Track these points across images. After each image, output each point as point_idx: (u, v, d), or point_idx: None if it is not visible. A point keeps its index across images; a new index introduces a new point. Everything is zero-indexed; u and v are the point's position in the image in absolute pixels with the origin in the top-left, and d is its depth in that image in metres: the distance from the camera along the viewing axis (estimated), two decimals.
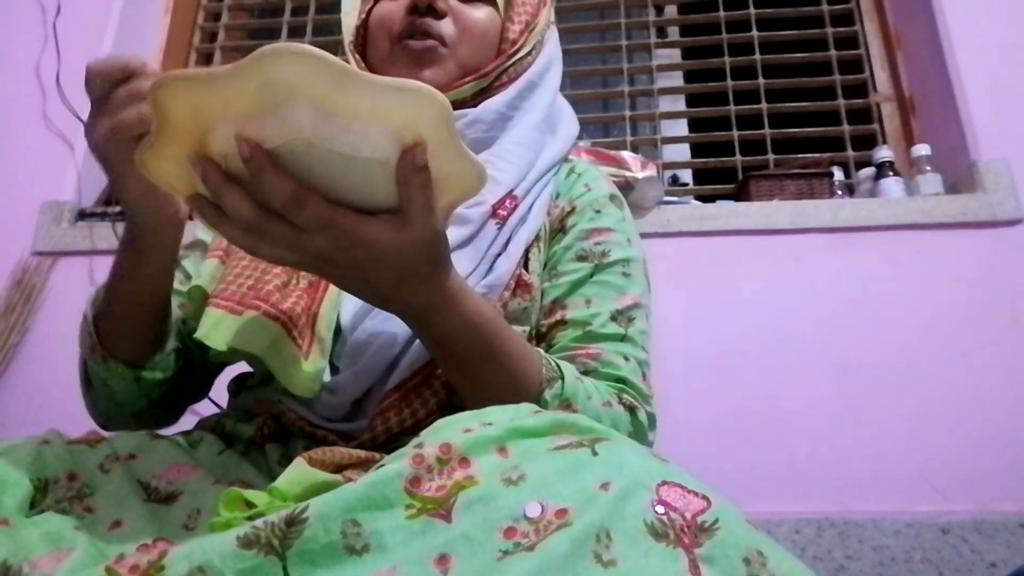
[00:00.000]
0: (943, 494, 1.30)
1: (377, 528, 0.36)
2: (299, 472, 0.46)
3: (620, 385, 0.64)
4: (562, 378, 0.58)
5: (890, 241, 1.48)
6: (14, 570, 0.38)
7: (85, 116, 1.65)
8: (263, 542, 0.35)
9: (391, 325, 0.60)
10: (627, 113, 1.85)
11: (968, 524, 1.26)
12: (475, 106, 0.71)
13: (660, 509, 0.34)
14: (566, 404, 0.58)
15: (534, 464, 0.38)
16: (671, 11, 2.01)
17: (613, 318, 0.66)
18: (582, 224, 0.71)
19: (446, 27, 0.70)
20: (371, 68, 0.73)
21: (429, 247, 0.49)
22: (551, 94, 0.77)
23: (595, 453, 0.38)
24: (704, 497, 0.36)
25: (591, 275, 0.68)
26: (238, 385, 0.73)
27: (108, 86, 0.49)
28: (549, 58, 0.78)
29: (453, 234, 0.60)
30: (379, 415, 0.58)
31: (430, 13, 0.69)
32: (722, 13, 1.91)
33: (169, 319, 0.66)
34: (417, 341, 0.60)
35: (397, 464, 0.38)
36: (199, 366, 0.72)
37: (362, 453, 0.53)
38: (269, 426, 0.62)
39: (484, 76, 0.71)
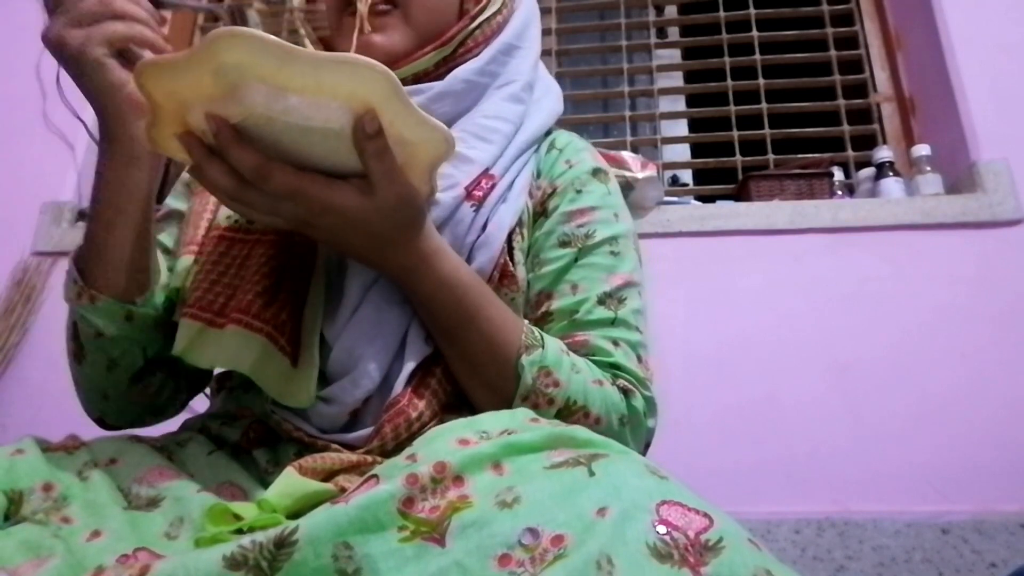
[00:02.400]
0: (943, 494, 1.30)
1: (369, 552, 0.35)
2: (289, 483, 0.46)
3: (614, 371, 0.61)
4: (543, 346, 0.57)
5: (890, 241, 1.48)
6: None
7: (85, 116, 1.64)
8: (251, 564, 0.34)
9: (378, 330, 0.58)
10: (627, 113, 1.85)
11: (968, 524, 1.26)
12: (441, 77, 0.65)
13: (662, 529, 0.34)
14: (546, 372, 0.56)
15: (529, 486, 0.37)
16: (671, 11, 2.01)
17: (601, 302, 0.63)
18: (563, 206, 0.67)
19: None
20: (324, 39, 0.68)
21: (396, 211, 0.51)
22: (532, 59, 0.71)
23: (592, 473, 0.37)
24: (705, 515, 0.35)
25: (575, 260, 0.64)
26: (219, 385, 0.70)
27: None
28: (527, 17, 0.71)
29: None
30: (388, 422, 0.55)
31: None
32: (722, 13, 1.91)
33: (153, 254, 0.62)
34: (409, 339, 0.59)
35: (390, 485, 0.38)
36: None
37: (353, 457, 0.53)
38: (255, 430, 0.60)
39: (446, 43, 0.65)
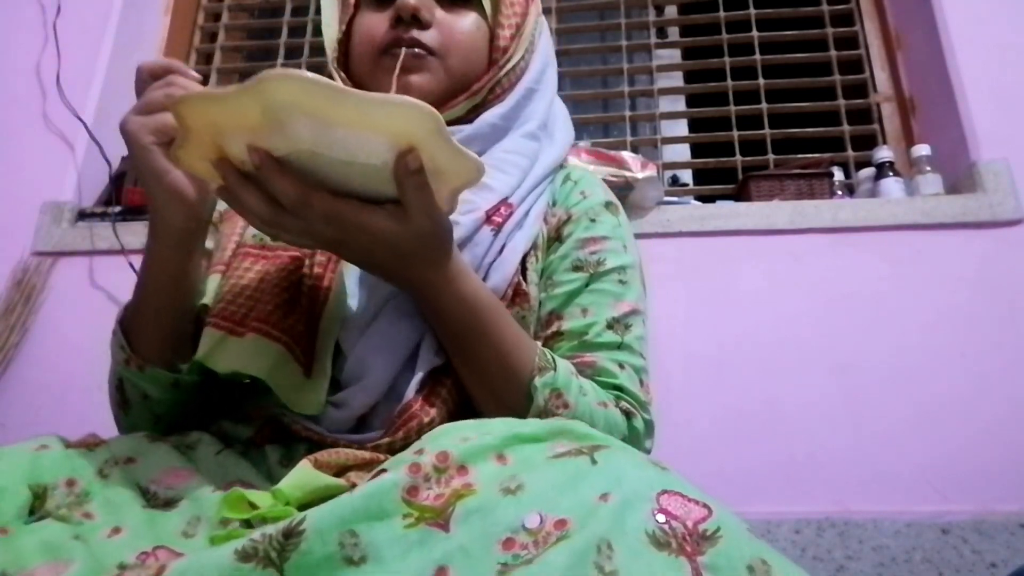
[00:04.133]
0: (943, 494, 1.30)
1: (374, 539, 0.36)
2: (303, 475, 0.47)
3: (617, 392, 0.64)
4: (555, 369, 0.60)
5: (890, 241, 1.48)
6: None
7: (85, 116, 1.66)
8: (261, 555, 0.35)
9: (390, 341, 0.61)
10: (627, 113, 1.85)
11: (968, 524, 1.26)
12: (470, 122, 0.70)
13: (661, 518, 0.34)
14: (557, 394, 0.59)
15: (533, 474, 0.38)
16: (671, 11, 2.01)
17: (609, 326, 0.66)
18: (578, 233, 0.71)
19: (431, 37, 0.68)
20: (355, 81, 0.71)
21: (428, 236, 0.53)
22: (549, 97, 0.76)
23: (594, 462, 0.38)
24: (704, 505, 0.36)
25: (586, 285, 0.68)
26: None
27: (150, 80, 0.55)
28: (544, 60, 0.76)
29: None
30: (401, 425, 0.58)
31: (415, 24, 0.67)
32: (722, 13, 1.91)
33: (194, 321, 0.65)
34: (422, 350, 0.61)
35: (394, 474, 0.39)
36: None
37: (366, 454, 0.54)
38: (268, 428, 0.62)
39: (476, 92, 0.70)
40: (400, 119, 0.45)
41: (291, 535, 0.36)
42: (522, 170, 0.69)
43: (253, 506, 0.44)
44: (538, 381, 0.59)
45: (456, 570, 0.34)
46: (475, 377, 0.60)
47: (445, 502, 0.37)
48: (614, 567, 0.32)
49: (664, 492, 0.36)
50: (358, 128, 0.45)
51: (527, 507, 0.36)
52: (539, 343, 0.64)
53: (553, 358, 0.61)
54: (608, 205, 0.74)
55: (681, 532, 0.34)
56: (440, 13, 0.69)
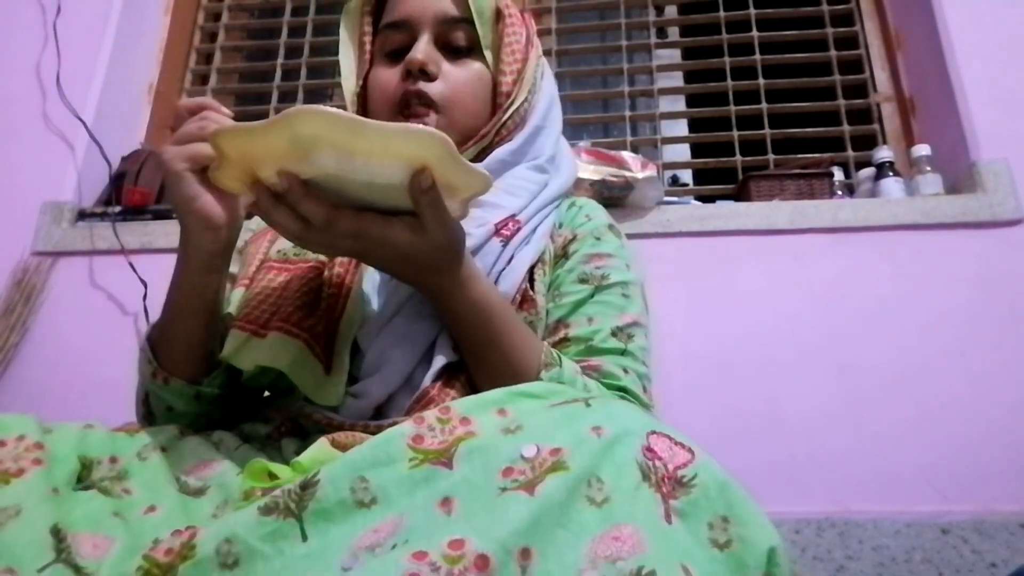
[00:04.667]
0: (943, 494, 1.30)
1: (383, 482, 0.39)
2: (321, 451, 0.51)
3: (621, 393, 0.67)
4: (560, 366, 0.64)
5: (890, 241, 1.48)
6: (62, 534, 0.43)
7: (85, 116, 1.66)
8: (281, 507, 0.39)
9: (408, 336, 0.65)
10: (627, 113, 1.85)
11: (968, 524, 1.26)
12: (481, 160, 0.74)
13: (648, 455, 0.38)
14: None
15: (532, 418, 0.42)
16: (671, 11, 2.01)
17: (613, 334, 0.70)
18: (583, 249, 0.76)
19: (437, 90, 0.73)
20: None
21: (442, 247, 0.58)
22: (556, 134, 0.81)
23: (589, 405, 0.42)
24: (689, 450, 0.39)
25: (592, 295, 0.72)
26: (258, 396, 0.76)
27: (187, 116, 0.60)
28: (549, 99, 0.81)
29: None
30: (420, 410, 0.61)
31: (422, 76, 0.73)
32: (722, 13, 1.91)
33: (219, 338, 0.69)
34: (437, 346, 0.66)
35: (400, 426, 0.42)
36: (250, 386, 0.74)
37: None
38: (286, 426, 0.66)
39: (483, 137, 0.75)
40: (414, 146, 0.50)
41: (307, 487, 0.39)
42: (530, 193, 0.75)
43: (273, 476, 0.47)
44: (544, 376, 0.62)
45: (460, 499, 0.37)
46: (485, 374, 0.64)
47: (449, 445, 0.40)
48: (605, 495, 0.35)
49: (654, 432, 0.39)
50: (377, 156, 0.50)
51: (525, 441, 0.39)
52: (546, 343, 0.67)
53: (559, 356, 0.65)
54: (611, 228, 0.79)
55: (662, 472, 0.37)
56: (446, 66, 0.75)
